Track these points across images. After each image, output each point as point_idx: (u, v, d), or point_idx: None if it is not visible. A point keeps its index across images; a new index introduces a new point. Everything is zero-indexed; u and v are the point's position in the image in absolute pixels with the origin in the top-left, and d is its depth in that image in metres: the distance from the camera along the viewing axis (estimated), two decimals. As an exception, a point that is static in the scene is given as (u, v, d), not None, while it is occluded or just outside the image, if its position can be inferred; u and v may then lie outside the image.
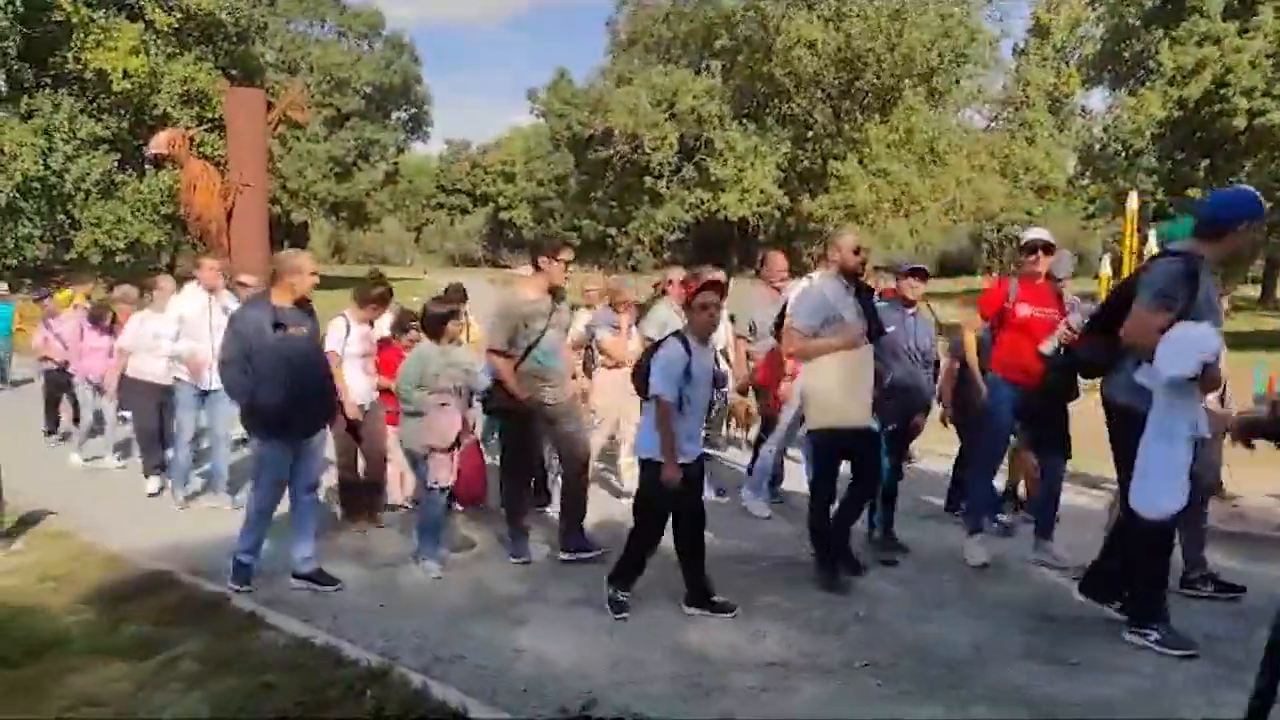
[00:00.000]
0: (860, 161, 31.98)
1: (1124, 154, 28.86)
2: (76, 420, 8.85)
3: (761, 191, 34.00)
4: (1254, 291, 31.92)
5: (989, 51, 35.48)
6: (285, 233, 42.41)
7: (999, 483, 6.45)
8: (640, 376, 4.74)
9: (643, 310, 7.06)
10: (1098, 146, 31.66)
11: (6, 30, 26.81)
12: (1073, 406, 5.55)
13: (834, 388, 5.10)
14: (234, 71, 33.04)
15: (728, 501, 6.89)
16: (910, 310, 5.86)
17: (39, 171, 26.84)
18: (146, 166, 30.47)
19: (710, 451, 6.70)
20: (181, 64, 30.42)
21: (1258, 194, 4.26)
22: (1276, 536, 6.46)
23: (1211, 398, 4.91)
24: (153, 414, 7.39)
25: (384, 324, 6.73)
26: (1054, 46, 41.02)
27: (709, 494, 5.71)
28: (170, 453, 7.30)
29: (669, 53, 39.43)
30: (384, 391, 6.27)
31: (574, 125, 41.94)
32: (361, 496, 6.36)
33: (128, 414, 8.00)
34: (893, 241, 30.61)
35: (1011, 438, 5.98)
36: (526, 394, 5.46)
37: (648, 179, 36.53)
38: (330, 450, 5.99)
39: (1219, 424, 4.93)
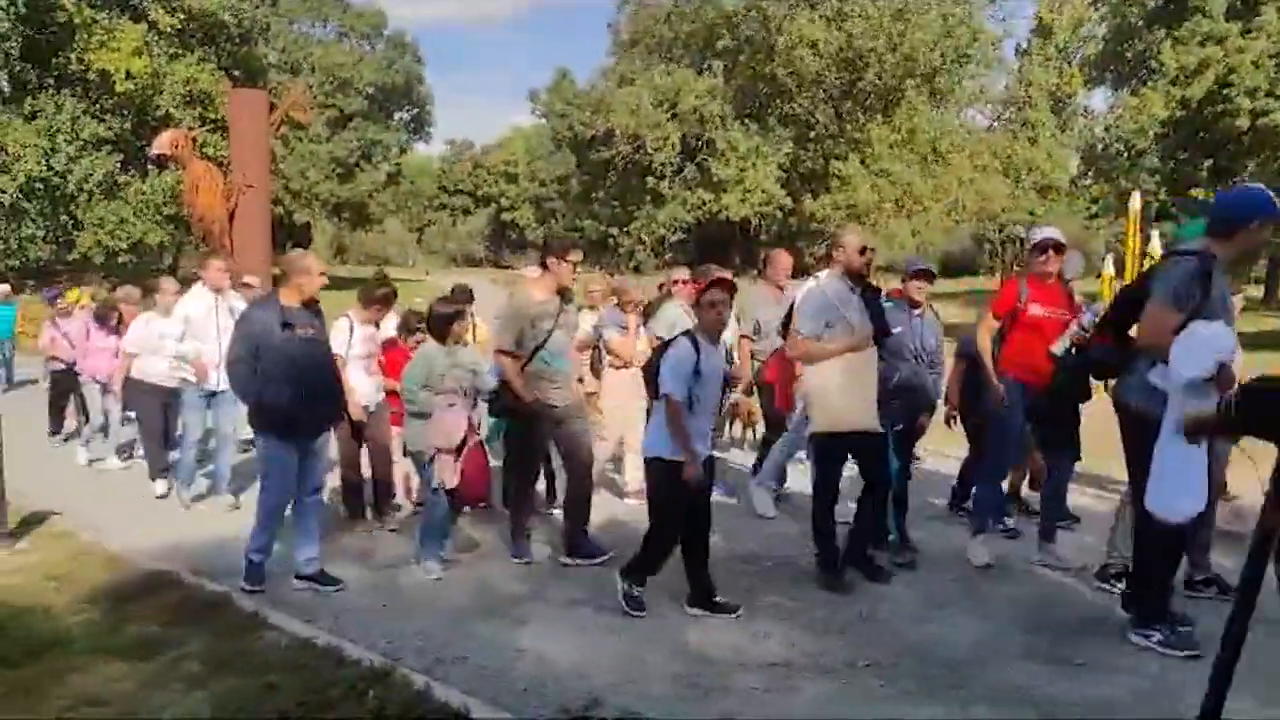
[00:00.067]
0: (862, 161, 32.00)
1: (1127, 154, 28.84)
2: (87, 419, 8.86)
3: (763, 191, 34.04)
4: (1257, 292, 31.87)
5: (991, 51, 35.51)
6: (288, 234, 42.40)
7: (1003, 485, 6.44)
8: (650, 376, 4.74)
9: (647, 311, 7.04)
10: (1100, 146, 31.65)
11: (9, 31, 26.85)
12: (1083, 408, 5.52)
13: (836, 390, 5.06)
14: (236, 72, 33.08)
15: (733, 502, 6.88)
16: (916, 311, 5.83)
17: (42, 172, 26.89)
18: (149, 167, 30.51)
19: (713, 454, 6.69)
20: (184, 65, 30.46)
21: (1270, 192, 4.22)
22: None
23: None
24: (158, 416, 7.39)
25: (389, 325, 6.73)
26: (1056, 46, 40.95)
27: (718, 494, 5.70)
28: (175, 454, 7.29)
29: (671, 53, 39.49)
30: (389, 393, 6.26)
31: (576, 126, 42.00)
32: (363, 498, 6.36)
33: (133, 414, 8.01)
34: (895, 242, 30.60)
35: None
36: (533, 396, 5.44)
37: (649, 179, 36.59)
38: (333, 451, 5.99)
39: None
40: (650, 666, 4.06)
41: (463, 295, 6.80)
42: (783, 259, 7.28)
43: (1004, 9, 43.79)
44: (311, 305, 5.10)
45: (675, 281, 7.16)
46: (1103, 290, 11.43)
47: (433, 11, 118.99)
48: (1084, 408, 5.52)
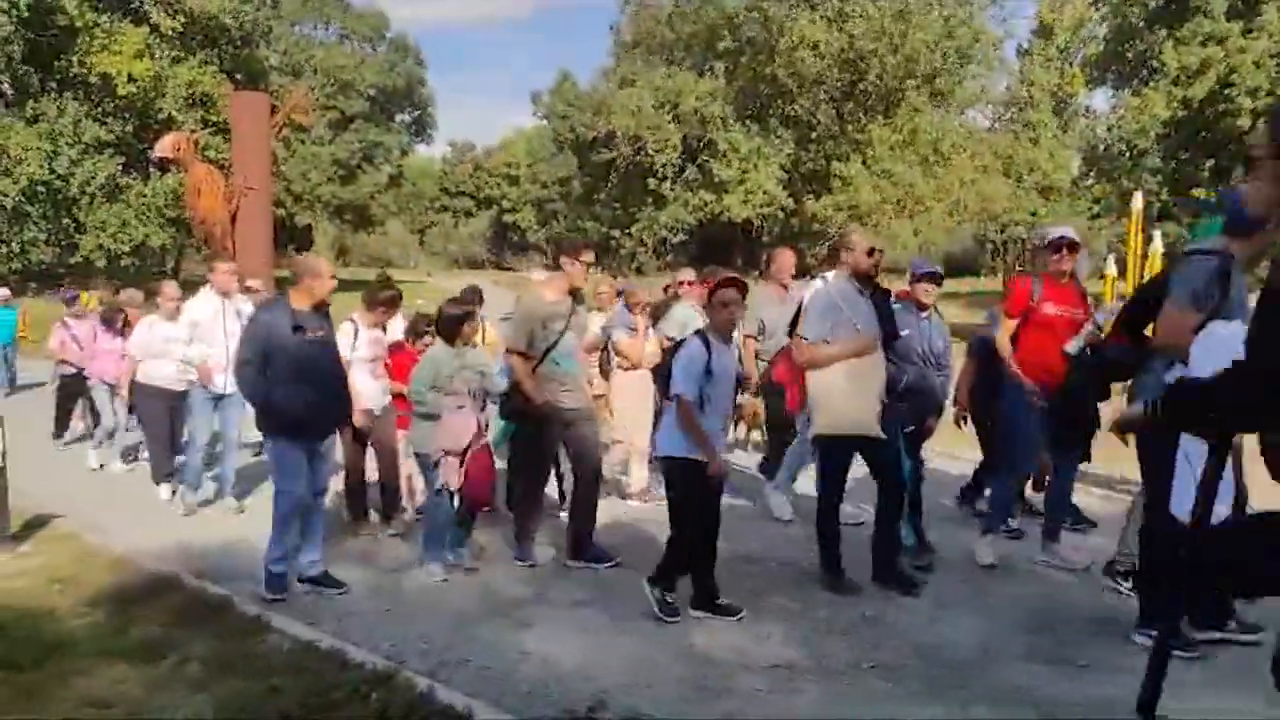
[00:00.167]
0: (864, 162, 31.99)
1: (1128, 154, 28.82)
2: (97, 423, 8.87)
3: (765, 193, 34.03)
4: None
5: (993, 52, 35.47)
6: (289, 236, 42.45)
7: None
8: (663, 377, 4.73)
9: (655, 313, 7.02)
10: (1102, 147, 31.64)
11: (11, 35, 26.92)
12: (1101, 407, 5.49)
13: (840, 392, 5.03)
14: (238, 75, 33.16)
15: (734, 504, 6.87)
16: (924, 314, 5.78)
17: (44, 175, 26.96)
18: (151, 170, 30.60)
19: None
20: (186, 68, 30.53)
21: None
22: None
23: None
24: (163, 419, 7.38)
25: (395, 328, 6.71)
26: (1058, 47, 40.92)
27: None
28: (181, 458, 7.30)
29: (672, 54, 39.48)
30: (396, 396, 6.25)
31: (577, 127, 42.03)
32: (366, 501, 6.36)
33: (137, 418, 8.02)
34: (897, 242, 30.57)
35: None
36: (543, 398, 5.41)
37: (651, 181, 36.58)
38: (338, 454, 5.99)
39: None
40: (654, 668, 4.06)
41: (472, 296, 6.78)
42: (786, 257, 7.24)
43: (1005, 9, 43.62)
44: (320, 308, 5.10)
45: (681, 283, 7.15)
46: (1105, 291, 11.40)
47: (433, 12, 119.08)
48: (1101, 407, 5.49)
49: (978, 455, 6.98)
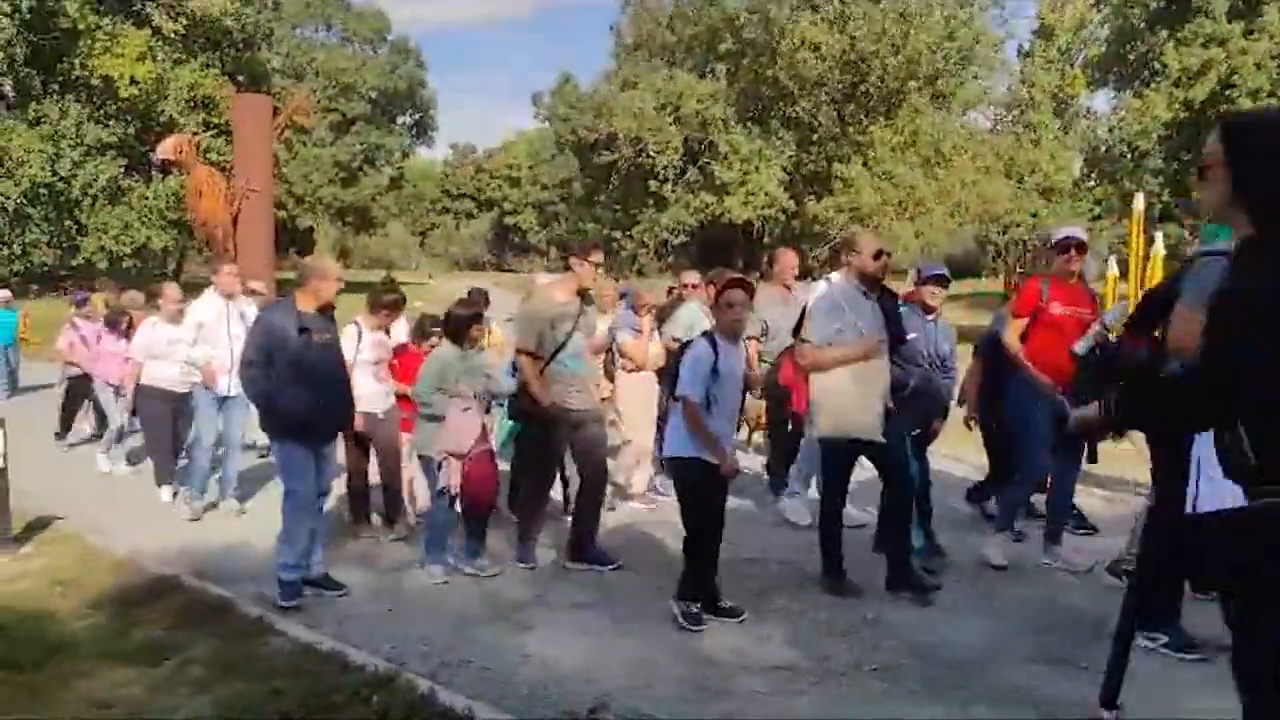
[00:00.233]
0: (865, 164, 31.95)
1: (1129, 155, 28.82)
2: (102, 425, 8.87)
3: (766, 194, 34.00)
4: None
5: (994, 54, 35.44)
6: (291, 238, 42.49)
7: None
8: (670, 378, 4.73)
9: (660, 315, 7.02)
10: (1103, 148, 31.62)
11: (14, 37, 26.97)
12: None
13: (843, 395, 4.99)
14: (240, 77, 33.22)
15: (737, 506, 6.87)
16: (930, 316, 5.73)
17: (46, 177, 27.02)
18: (153, 172, 30.65)
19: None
20: (188, 70, 30.59)
21: None
22: None
23: None
24: (166, 422, 7.37)
25: (400, 330, 6.70)
26: (1059, 48, 40.87)
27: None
28: (184, 460, 7.28)
29: (673, 56, 39.50)
30: (401, 398, 6.24)
31: (578, 129, 41.99)
32: (368, 503, 6.36)
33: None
34: (899, 244, 30.54)
35: None
36: (550, 399, 5.39)
37: (652, 183, 36.56)
38: (340, 456, 5.99)
39: None
40: (655, 670, 4.07)
41: (480, 298, 6.78)
42: (789, 258, 7.20)
43: (1006, 11, 43.54)
44: (326, 311, 5.10)
45: (685, 285, 7.15)
46: (1106, 292, 11.40)
47: (433, 12, 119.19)
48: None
49: (982, 458, 6.97)
